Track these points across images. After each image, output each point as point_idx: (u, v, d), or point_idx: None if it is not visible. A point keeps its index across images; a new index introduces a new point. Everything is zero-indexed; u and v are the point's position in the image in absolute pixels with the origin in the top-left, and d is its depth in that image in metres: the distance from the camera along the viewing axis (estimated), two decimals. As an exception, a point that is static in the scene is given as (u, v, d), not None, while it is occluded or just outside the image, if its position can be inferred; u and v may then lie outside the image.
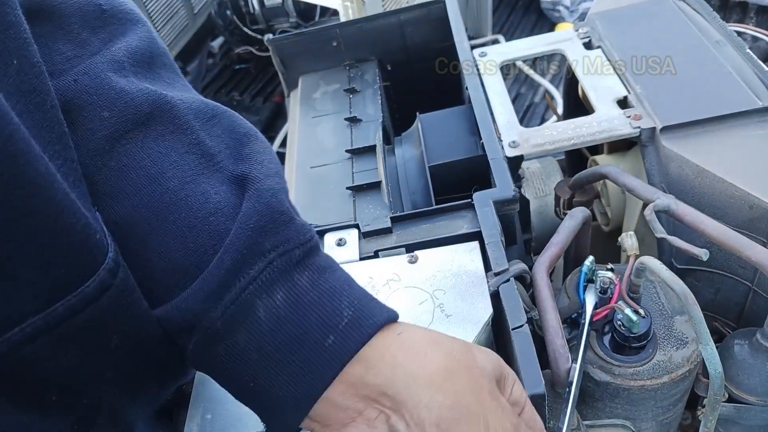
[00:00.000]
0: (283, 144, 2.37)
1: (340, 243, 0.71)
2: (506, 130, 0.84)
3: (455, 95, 1.13)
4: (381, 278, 0.65)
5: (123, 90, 0.41)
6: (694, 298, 0.61)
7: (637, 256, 0.65)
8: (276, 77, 2.58)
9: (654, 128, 0.78)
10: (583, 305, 0.66)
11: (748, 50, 0.85)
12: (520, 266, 0.64)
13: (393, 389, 0.39)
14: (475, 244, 0.67)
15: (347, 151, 0.93)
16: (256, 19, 2.57)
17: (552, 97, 2.22)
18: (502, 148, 0.80)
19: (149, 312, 0.40)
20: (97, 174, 0.40)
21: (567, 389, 0.60)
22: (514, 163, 0.81)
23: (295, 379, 0.38)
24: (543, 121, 2.28)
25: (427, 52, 1.13)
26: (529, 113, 2.35)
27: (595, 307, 0.66)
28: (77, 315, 0.35)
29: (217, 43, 2.79)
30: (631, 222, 0.92)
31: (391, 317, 0.41)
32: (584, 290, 0.67)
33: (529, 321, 0.60)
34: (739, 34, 0.91)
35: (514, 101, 0.93)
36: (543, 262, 0.68)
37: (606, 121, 0.81)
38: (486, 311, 0.60)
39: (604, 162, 0.96)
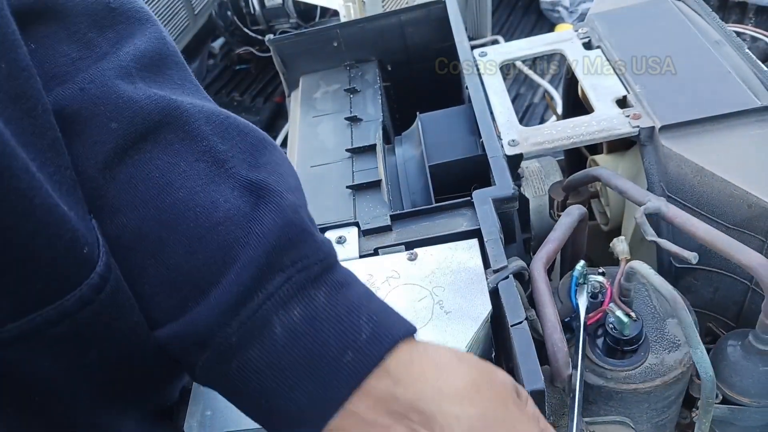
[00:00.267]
0: (284, 144, 2.37)
1: (340, 241, 0.71)
2: (506, 128, 0.84)
3: (455, 95, 1.13)
4: (380, 275, 0.65)
5: (131, 98, 0.40)
6: (683, 302, 0.61)
7: (628, 261, 0.65)
8: (276, 77, 2.59)
9: (653, 127, 0.78)
10: (575, 309, 0.67)
11: (747, 50, 0.86)
12: (518, 263, 0.64)
13: (422, 402, 0.38)
14: (475, 242, 0.67)
15: (347, 150, 0.94)
16: (257, 19, 2.58)
17: (551, 97, 2.22)
18: (502, 146, 0.81)
19: (139, 328, 0.39)
20: (106, 187, 0.39)
21: (571, 395, 0.60)
22: (514, 161, 0.81)
23: (312, 397, 0.37)
24: (542, 121, 2.28)
25: (427, 52, 1.13)
26: (528, 113, 2.35)
27: (588, 311, 0.66)
28: (53, 326, 0.34)
29: (217, 44, 2.79)
30: (630, 222, 0.93)
31: (410, 330, 0.40)
32: (576, 294, 0.67)
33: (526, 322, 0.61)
34: (738, 34, 0.91)
35: (513, 101, 0.93)
36: (540, 258, 0.68)
37: (605, 120, 0.82)
38: (485, 308, 0.60)
39: (603, 162, 0.96)
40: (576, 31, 0.98)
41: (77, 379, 0.38)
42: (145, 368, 0.42)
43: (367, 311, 0.39)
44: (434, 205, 0.73)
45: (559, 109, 1.45)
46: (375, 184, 0.87)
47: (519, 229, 0.81)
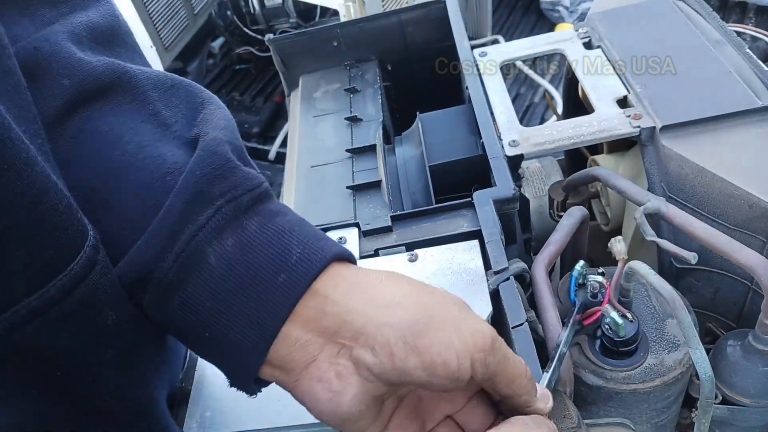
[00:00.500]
0: (284, 144, 2.37)
1: (341, 241, 0.71)
2: (506, 129, 0.84)
3: (455, 95, 1.13)
4: (381, 277, 0.65)
5: (83, 60, 0.42)
6: (682, 302, 0.61)
7: (626, 261, 0.65)
8: (276, 77, 2.58)
9: (654, 127, 0.78)
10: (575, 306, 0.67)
11: (748, 50, 0.85)
12: (519, 265, 0.64)
13: (351, 316, 0.38)
14: (475, 243, 0.67)
15: (347, 150, 0.94)
16: (257, 19, 2.58)
17: (552, 97, 2.22)
18: (502, 147, 0.81)
19: None
20: (56, 141, 0.40)
21: (554, 350, 0.60)
22: (514, 162, 0.81)
23: (251, 322, 0.38)
24: (543, 121, 2.28)
25: (427, 51, 1.13)
26: (528, 113, 2.35)
27: (587, 308, 0.66)
28: (70, 295, 0.35)
29: (217, 44, 2.79)
30: (630, 222, 0.92)
31: (343, 252, 0.41)
32: (575, 294, 0.67)
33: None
34: (739, 34, 0.91)
35: (513, 101, 0.93)
36: (542, 260, 0.68)
37: (606, 120, 0.82)
38: (485, 309, 0.60)
39: (604, 162, 0.96)
40: (576, 30, 0.98)
41: (101, 346, 0.39)
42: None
43: (298, 235, 0.39)
44: (435, 205, 0.73)
45: (560, 109, 1.45)
46: (375, 185, 0.86)
47: (520, 230, 0.81)
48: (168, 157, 0.40)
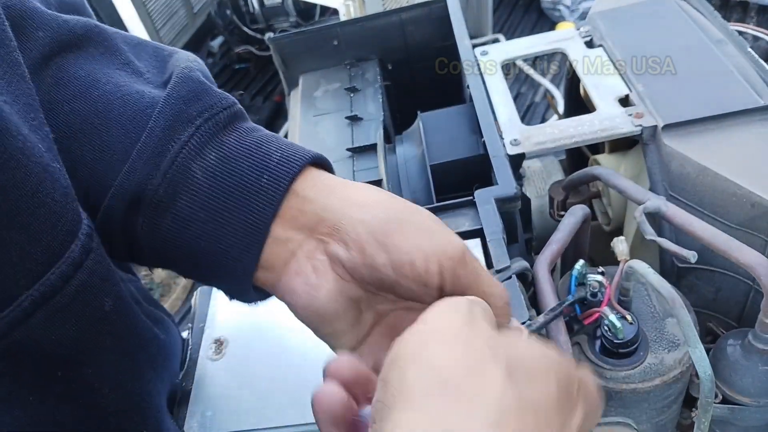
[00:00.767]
0: (283, 143, 2.37)
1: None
2: (508, 128, 0.84)
3: (456, 94, 1.13)
4: (382, 276, 0.65)
5: (56, 14, 0.44)
6: (681, 301, 0.61)
7: (627, 261, 0.65)
8: (276, 76, 2.58)
9: (656, 126, 0.78)
10: (575, 309, 0.66)
11: (750, 49, 0.85)
12: (521, 264, 0.64)
13: (327, 213, 0.39)
14: (477, 242, 0.67)
15: (348, 149, 0.93)
16: (256, 18, 2.58)
17: (553, 96, 2.22)
18: (504, 146, 0.80)
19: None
20: (35, 88, 0.41)
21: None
22: (516, 161, 0.81)
23: (242, 224, 0.39)
24: (544, 120, 2.28)
25: (427, 50, 1.13)
26: (529, 113, 2.35)
27: (583, 303, 0.66)
28: (69, 282, 0.36)
29: (216, 43, 2.79)
30: (631, 222, 0.92)
31: (320, 157, 0.43)
32: (575, 289, 0.67)
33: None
34: (740, 33, 0.91)
35: (514, 101, 0.93)
36: (544, 259, 0.68)
37: (608, 119, 0.81)
38: (487, 309, 0.60)
39: (605, 161, 0.96)
40: (577, 29, 0.98)
41: (100, 334, 0.40)
42: (153, 304, 0.44)
43: (276, 143, 0.42)
44: (436, 204, 0.73)
45: (561, 108, 1.45)
46: (376, 184, 0.86)
47: (521, 229, 0.81)
48: (145, 93, 0.42)
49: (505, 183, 0.72)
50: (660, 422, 0.71)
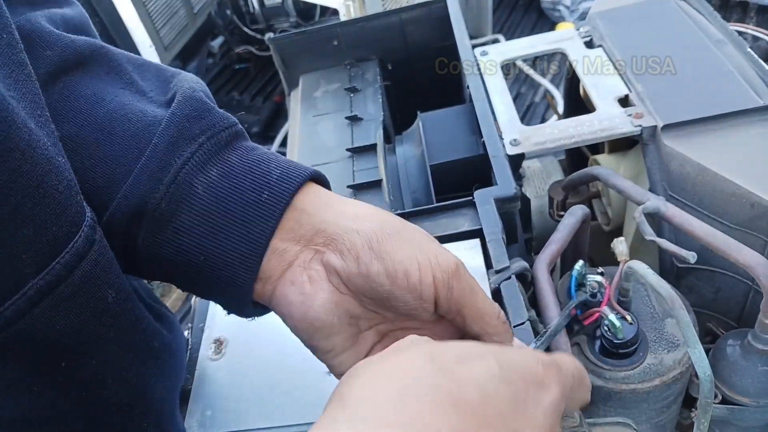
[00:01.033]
0: (284, 143, 2.37)
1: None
2: (507, 128, 0.84)
3: (455, 94, 1.13)
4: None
5: (62, 35, 0.45)
6: (680, 301, 0.61)
7: (626, 261, 0.65)
8: (276, 77, 2.59)
9: (655, 126, 0.78)
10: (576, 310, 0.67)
11: (749, 49, 0.85)
12: (521, 264, 0.64)
13: (324, 224, 0.41)
14: (476, 242, 0.67)
15: (348, 149, 0.93)
16: (256, 18, 2.58)
17: (552, 96, 2.22)
18: (504, 146, 0.80)
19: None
20: None
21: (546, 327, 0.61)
22: (516, 161, 0.81)
23: (241, 238, 0.41)
24: (543, 120, 2.28)
25: (427, 51, 1.13)
26: (529, 113, 2.35)
27: (585, 305, 0.66)
28: (73, 273, 0.36)
29: (216, 43, 2.79)
30: (631, 222, 0.92)
31: (319, 174, 0.44)
32: (576, 294, 0.67)
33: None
34: (740, 33, 0.91)
35: (514, 101, 0.93)
36: (544, 259, 0.68)
37: (607, 119, 0.81)
38: (487, 309, 0.60)
39: (605, 161, 0.96)
40: (577, 30, 0.98)
41: (103, 326, 0.40)
42: (156, 301, 0.44)
43: (276, 161, 0.43)
44: (435, 204, 0.73)
45: (561, 109, 1.45)
46: (376, 184, 0.86)
47: (521, 229, 0.81)
48: (149, 112, 0.43)
49: (504, 183, 0.73)
50: (659, 422, 0.71)
